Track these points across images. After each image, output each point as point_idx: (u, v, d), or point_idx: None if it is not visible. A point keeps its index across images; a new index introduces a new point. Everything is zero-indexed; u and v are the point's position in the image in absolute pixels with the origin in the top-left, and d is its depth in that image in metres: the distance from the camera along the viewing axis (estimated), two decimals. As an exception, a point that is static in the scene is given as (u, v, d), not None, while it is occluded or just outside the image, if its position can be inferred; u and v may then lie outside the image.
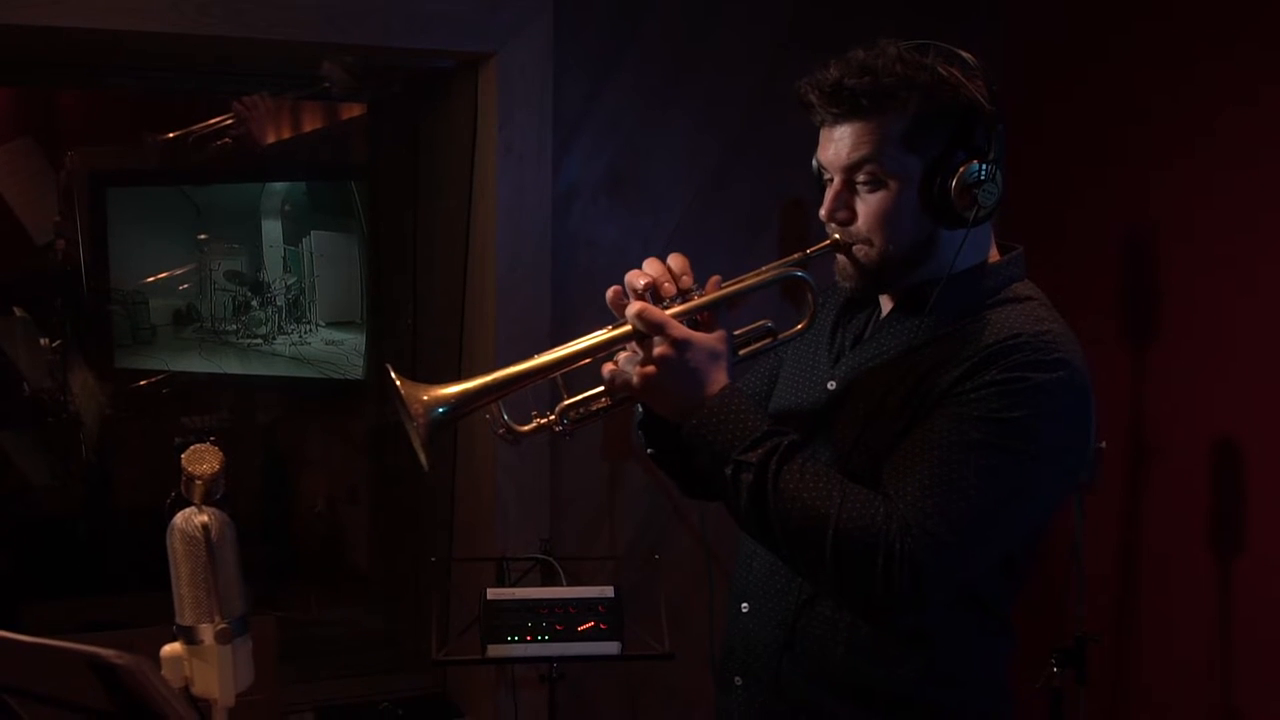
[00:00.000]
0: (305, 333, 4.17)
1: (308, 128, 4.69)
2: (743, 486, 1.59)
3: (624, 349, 1.67)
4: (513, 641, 2.67)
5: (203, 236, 4.29)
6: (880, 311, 1.79)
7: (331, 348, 4.13)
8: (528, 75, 3.09)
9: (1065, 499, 1.75)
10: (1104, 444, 2.92)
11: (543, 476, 3.19)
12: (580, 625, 2.69)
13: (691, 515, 3.25)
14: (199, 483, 1.65)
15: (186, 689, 1.64)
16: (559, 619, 2.69)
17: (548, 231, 3.15)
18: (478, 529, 3.28)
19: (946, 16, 3.33)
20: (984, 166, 1.63)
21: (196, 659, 1.63)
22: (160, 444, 4.11)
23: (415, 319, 3.69)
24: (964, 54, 1.67)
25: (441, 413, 1.59)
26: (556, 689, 2.78)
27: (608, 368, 1.68)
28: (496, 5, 3.04)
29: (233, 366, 4.30)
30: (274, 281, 4.20)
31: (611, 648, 2.70)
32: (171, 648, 1.64)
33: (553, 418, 1.72)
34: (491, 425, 1.71)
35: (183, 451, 1.67)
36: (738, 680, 1.82)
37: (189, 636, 1.63)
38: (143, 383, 4.39)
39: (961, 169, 1.62)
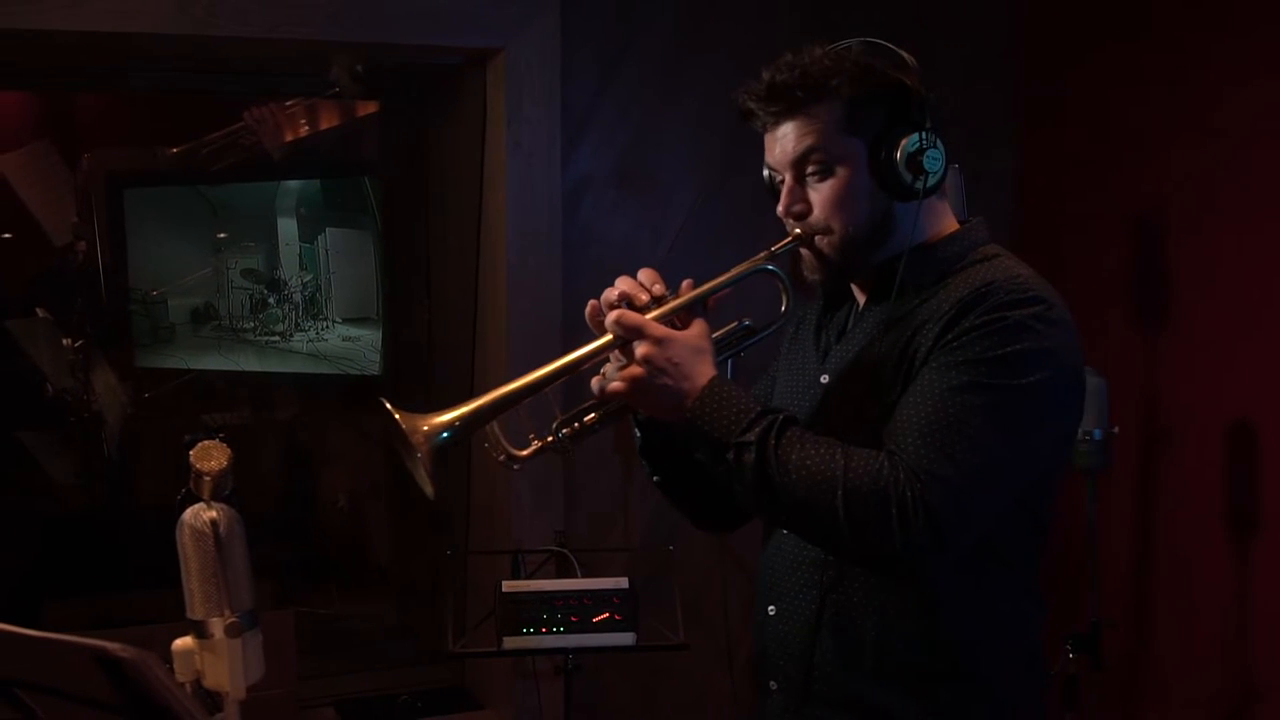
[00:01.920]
0: (322, 329, 4.21)
1: (324, 125, 4.72)
2: (746, 467, 1.61)
3: (609, 360, 1.69)
4: (528, 633, 2.68)
5: (222, 235, 4.34)
6: (858, 305, 1.82)
7: (348, 344, 4.17)
8: (535, 70, 3.10)
9: (1071, 435, 1.76)
10: (1116, 429, 2.92)
11: (556, 469, 3.20)
12: (595, 616, 2.71)
13: (705, 506, 3.26)
14: (207, 479, 1.66)
15: (198, 682, 1.66)
16: (574, 610, 2.71)
17: (558, 226, 3.16)
18: (493, 522, 3.31)
19: (959, 2, 3.34)
20: (924, 134, 1.67)
21: (207, 652, 1.65)
22: (181, 442, 4.14)
23: (430, 315, 3.71)
24: (890, 46, 1.71)
25: (444, 438, 1.61)
26: (572, 680, 2.79)
27: (596, 380, 1.71)
28: (503, 0, 3.05)
29: (251, 364, 4.34)
30: (290, 279, 4.24)
31: (626, 639, 2.71)
32: (183, 642, 1.66)
33: (550, 439, 1.74)
34: (492, 452, 1.73)
35: (192, 448, 1.69)
36: (773, 685, 1.83)
37: (199, 630, 1.65)
38: (163, 382, 4.44)
39: (904, 140, 1.67)
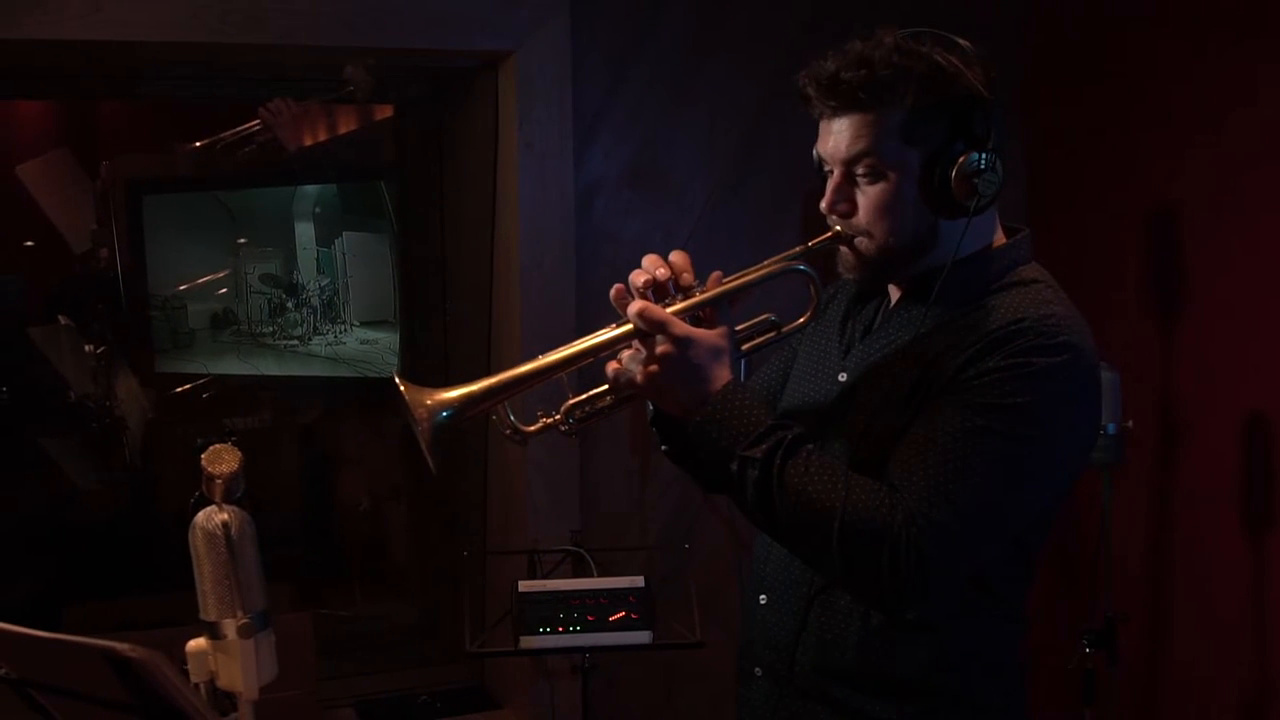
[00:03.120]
0: (340, 333, 4.24)
1: (339, 129, 4.75)
2: (749, 482, 1.60)
3: (628, 347, 1.67)
4: (545, 633, 2.70)
5: (243, 241, 4.37)
6: (889, 301, 1.79)
7: (366, 347, 4.19)
8: (546, 72, 3.11)
9: (1074, 483, 1.73)
10: (1130, 423, 2.91)
11: (573, 470, 3.22)
12: (611, 615, 2.72)
13: (721, 505, 3.27)
14: (218, 482, 1.69)
15: (212, 683, 1.68)
16: (590, 609, 2.72)
17: (570, 227, 3.18)
18: (510, 523, 3.32)
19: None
20: (984, 155, 1.61)
21: (220, 653, 1.67)
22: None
23: (446, 317, 3.73)
24: (962, 41, 1.65)
25: (446, 416, 1.61)
26: (589, 679, 2.80)
27: (612, 366, 1.69)
28: (514, 3, 3.06)
29: (270, 368, 4.37)
30: (308, 283, 4.27)
31: (643, 637, 2.72)
32: (197, 643, 1.68)
33: (558, 417, 1.74)
34: (499, 426, 1.73)
35: (203, 452, 1.71)
36: (758, 671, 1.83)
37: (213, 632, 1.67)
38: (184, 387, 4.48)
39: (961, 159, 1.61)
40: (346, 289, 4.21)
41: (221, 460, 1.69)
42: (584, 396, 1.75)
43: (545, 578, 2.91)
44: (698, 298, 1.67)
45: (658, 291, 1.67)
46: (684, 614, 2.80)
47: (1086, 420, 1.66)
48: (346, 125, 4.74)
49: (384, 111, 4.32)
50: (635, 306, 1.63)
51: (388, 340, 4.12)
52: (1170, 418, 3.14)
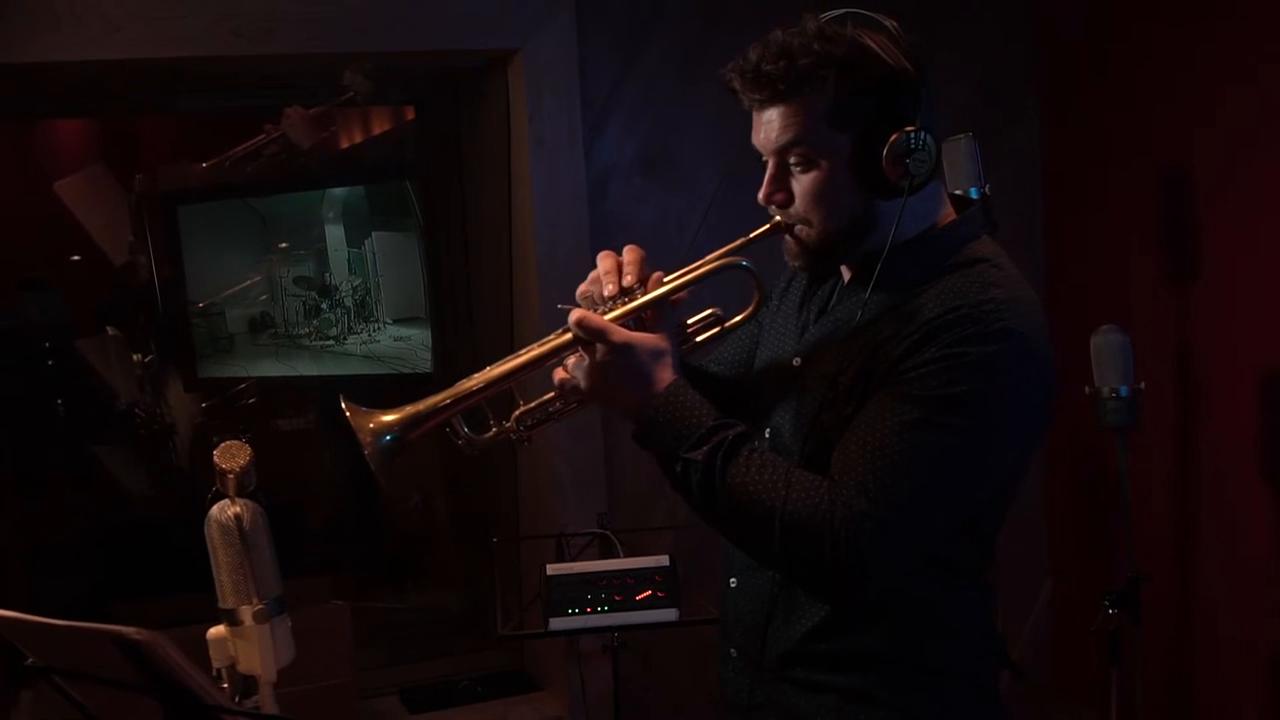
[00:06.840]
0: (374, 331, 4.32)
1: (365, 133, 4.84)
2: (693, 484, 1.62)
3: (575, 352, 1.68)
4: (574, 614, 2.76)
5: (283, 245, 4.46)
6: (843, 280, 1.79)
7: (400, 344, 4.26)
8: (554, 68, 3.17)
9: (1027, 465, 1.71)
10: (1143, 385, 2.92)
11: (597, 455, 3.28)
12: (638, 595, 2.77)
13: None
14: (231, 476, 1.77)
15: (233, 668, 1.77)
16: (617, 590, 2.77)
17: (584, 217, 3.23)
18: (540, 508, 3.40)
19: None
20: (912, 134, 1.61)
21: (239, 639, 1.76)
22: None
23: (471, 311, 3.80)
24: (887, 21, 1.65)
25: (390, 439, 1.63)
26: (619, 658, 2.86)
27: (559, 374, 1.72)
28: (518, 2, 3.13)
29: (308, 369, 4.46)
30: (341, 284, 4.35)
31: (669, 615, 2.77)
32: (216, 630, 1.77)
33: (510, 425, 1.76)
34: (451, 436, 1.74)
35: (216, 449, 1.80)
36: (733, 652, 1.86)
37: (230, 619, 1.76)
38: (225, 391, 4.58)
39: (892, 139, 1.61)
40: (378, 288, 4.29)
41: (233, 455, 1.78)
42: (534, 404, 1.77)
43: (573, 560, 2.97)
44: (638, 301, 1.68)
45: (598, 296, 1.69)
46: (711, 591, 2.85)
47: (1031, 404, 1.64)
48: (369, 128, 4.83)
49: (408, 113, 4.40)
50: (574, 316, 1.65)
51: (420, 336, 4.20)
52: (1187, 378, 3.15)
